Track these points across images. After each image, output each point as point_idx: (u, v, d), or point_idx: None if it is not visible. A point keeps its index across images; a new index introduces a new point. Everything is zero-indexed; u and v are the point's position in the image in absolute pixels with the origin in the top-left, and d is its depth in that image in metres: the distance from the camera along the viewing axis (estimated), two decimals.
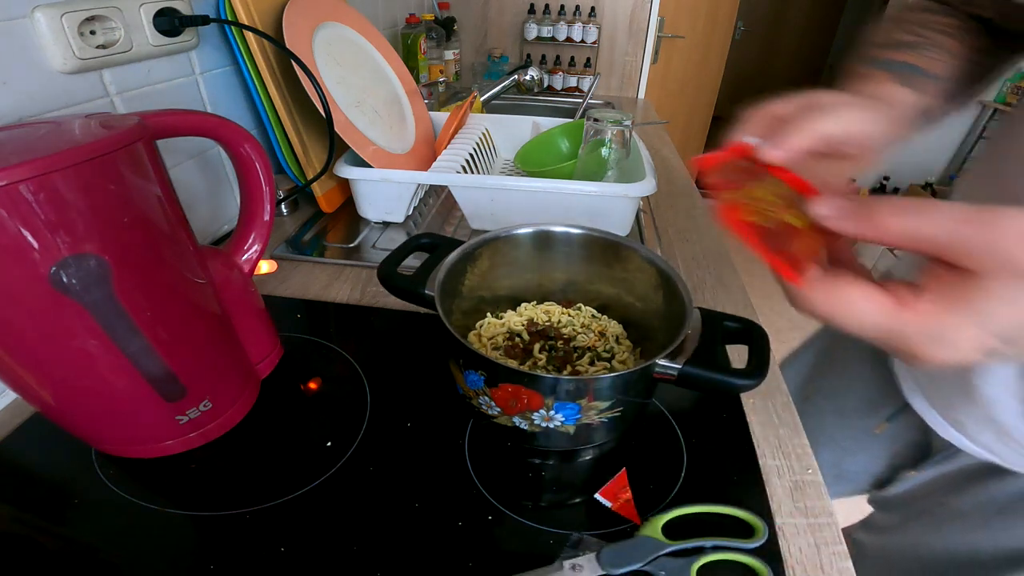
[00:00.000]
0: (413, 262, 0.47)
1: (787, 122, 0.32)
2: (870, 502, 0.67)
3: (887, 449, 0.64)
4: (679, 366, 0.38)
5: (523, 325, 0.50)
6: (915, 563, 0.48)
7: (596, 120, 0.74)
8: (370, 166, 0.72)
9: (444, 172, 0.74)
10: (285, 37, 0.64)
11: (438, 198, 0.87)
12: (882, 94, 0.38)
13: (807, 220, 0.26)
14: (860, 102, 0.36)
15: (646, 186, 0.67)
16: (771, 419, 0.48)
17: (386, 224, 0.78)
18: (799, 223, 0.27)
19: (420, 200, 0.84)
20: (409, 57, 1.30)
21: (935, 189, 2.87)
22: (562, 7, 1.79)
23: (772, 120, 0.33)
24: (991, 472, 0.51)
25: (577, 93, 1.81)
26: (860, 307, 0.22)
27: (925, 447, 0.58)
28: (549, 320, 0.52)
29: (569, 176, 0.78)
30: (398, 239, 0.73)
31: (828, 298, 0.23)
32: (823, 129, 0.32)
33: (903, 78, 0.39)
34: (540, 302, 0.54)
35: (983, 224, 0.19)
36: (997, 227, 0.19)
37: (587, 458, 0.44)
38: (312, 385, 0.50)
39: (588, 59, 1.86)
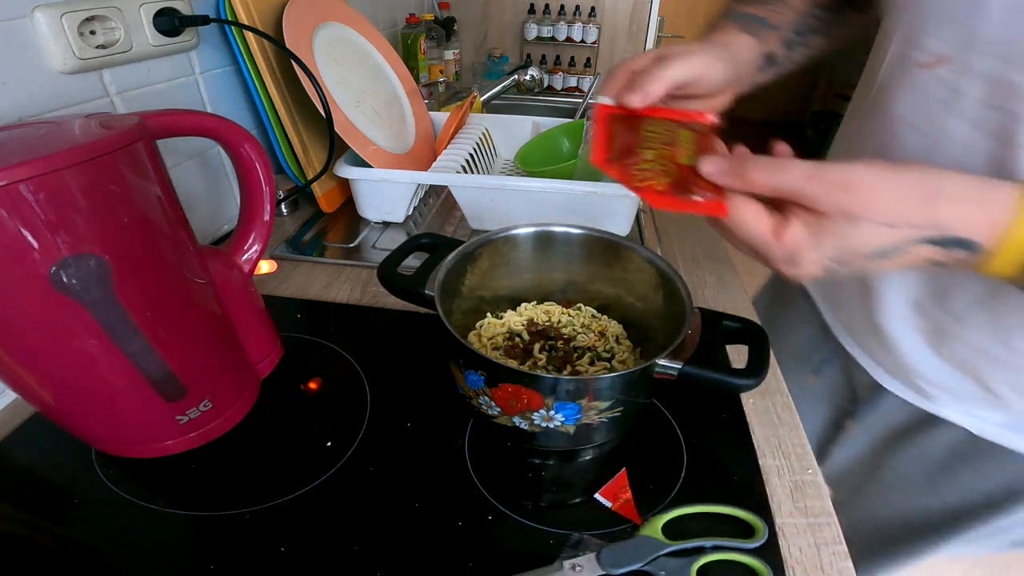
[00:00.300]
0: (413, 262, 0.47)
1: (642, 73, 0.38)
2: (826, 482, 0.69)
3: (822, 404, 0.66)
4: (679, 366, 0.38)
5: (523, 325, 0.50)
6: (873, 535, 0.49)
7: None
8: (370, 166, 0.72)
9: (444, 172, 0.74)
10: (285, 37, 0.64)
11: (438, 198, 0.87)
12: (726, 41, 0.44)
13: (693, 150, 0.33)
14: (705, 49, 0.42)
15: None
16: (771, 419, 0.48)
17: (386, 224, 0.78)
18: (690, 159, 0.33)
19: (420, 200, 0.84)
20: (409, 57, 1.30)
21: None
22: (562, 7, 1.79)
23: (630, 75, 0.39)
24: (918, 426, 0.54)
25: (577, 93, 1.81)
26: (749, 225, 0.30)
27: (853, 399, 0.61)
28: (549, 320, 0.52)
29: (569, 176, 0.78)
30: (398, 239, 0.73)
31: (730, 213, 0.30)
32: (673, 75, 0.38)
33: (746, 27, 0.46)
34: (540, 302, 0.54)
35: (820, 180, 0.27)
36: (828, 182, 0.27)
37: (587, 458, 0.44)
38: (312, 385, 0.50)
39: (588, 59, 1.86)
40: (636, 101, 0.37)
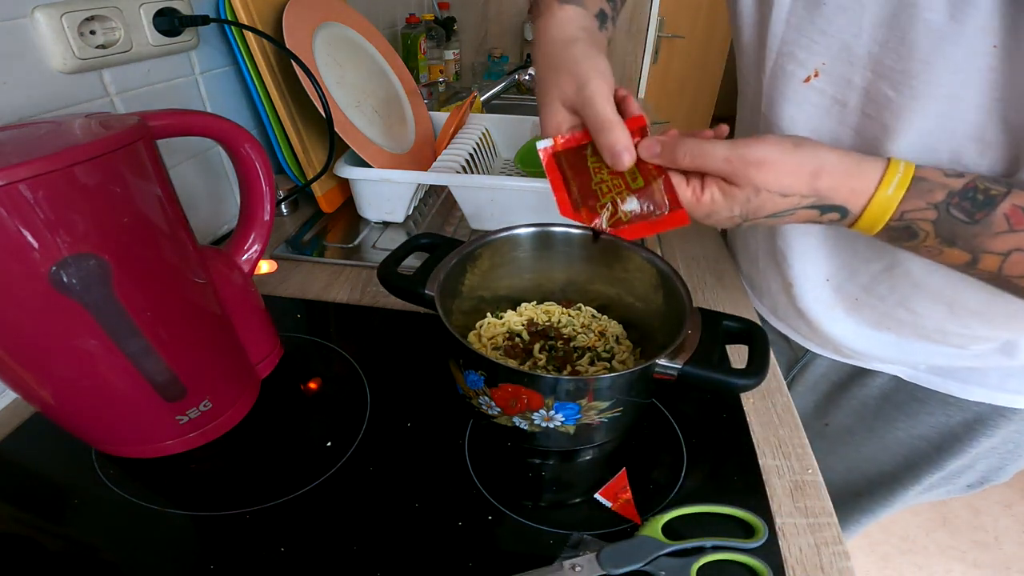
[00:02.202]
0: (413, 262, 0.47)
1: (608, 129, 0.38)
2: None
3: None
4: (679, 366, 0.38)
5: (523, 325, 0.50)
6: (837, 490, 0.52)
7: None
8: (370, 166, 0.72)
9: (444, 172, 0.74)
10: (285, 37, 0.64)
11: (438, 198, 0.87)
12: (575, 28, 0.42)
13: (635, 168, 0.37)
14: (589, 59, 0.39)
15: None
16: (771, 419, 0.48)
17: (386, 224, 0.78)
18: (636, 180, 0.37)
19: (420, 200, 0.84)
20: (409, 57, 1.30)
21: None
22: None
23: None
24: (852, 378, 0.60)
25: None
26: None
27: (794, 360, 0.67)
28: (549, 320, 0.52)
29: None
30: (398, 239, 0.73)
31: None
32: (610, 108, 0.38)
33: None
34: (540, 302, 0.54)
35: (734, 161, 0.33)
36: (741, 162, 0.33)
37: (587, 458, 0.44)
38: (312, 385, 0.50)
39: None
40: (626, 161, 0.37)
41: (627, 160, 0.36)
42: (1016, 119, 0.34)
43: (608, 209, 0.37)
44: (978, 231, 0.32)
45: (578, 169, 0.38)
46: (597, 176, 0.37)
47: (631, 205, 0.36)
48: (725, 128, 0.39)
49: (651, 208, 0.36)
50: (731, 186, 0.34)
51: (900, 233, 0.34)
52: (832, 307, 0.53)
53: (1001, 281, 0.34)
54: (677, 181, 0.36)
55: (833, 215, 0.34)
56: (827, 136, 0.43)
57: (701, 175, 0.36)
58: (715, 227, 0.38)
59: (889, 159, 0.33)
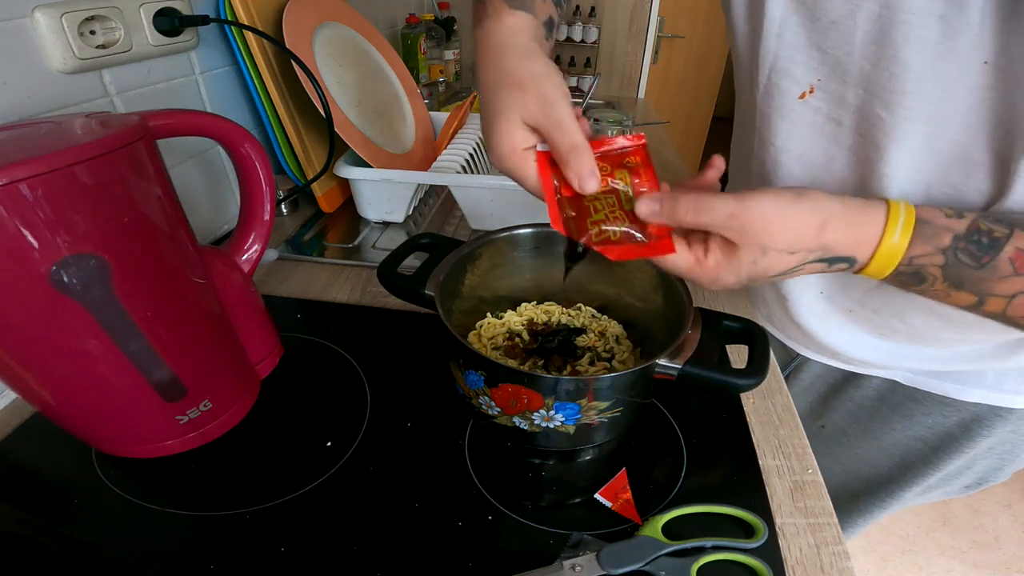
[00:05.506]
0: (413, 262, 0.47)
1: (573, 152, 0.35)
2: None
3: None
4: (679, 366, 0.38)
5: (523, 325, 0.50)
6: (834, 492, 0.51)
7: (596, 120, 0.74)
8: (370, 166, 0.72)
9: (444, 172, 0.74)
10: (285, 37, 0.64)
11: (438, 198, 0.87)
12: (524, 39, 0.38)
13: (630, 188, 0.35)
14: (542, 76, 0.35)
15: None
16: (771, 419, 0.48)
17: (386, 224, 0.78)
18: (629, 202, 0.35)
19: (420, 200, 0.84)
20: (409, 57, 1.30)
21: None
22: None
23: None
24: (848, 378, 0.60)
25: (577, 93, 1.81)
26: (676, 262, 0.35)
27: (788, 361, 0.67)
28: (549, 320, 0.52)
29: None
30: (398, 239, 0.73)
31: None
32: (576, 128, 0.35)
33: (520, 3, 0.40)
34: (540, 302, 0.54)
35: (739, 218, 0.31)
36: (746, 219, 0.31)
37: (587, 458, 0.44)
38: (312, 385, 0.50)
39: (588, 59, 1.86)
40: (593, 186, 0.35)
41: (594, 185, 0.34)
42: (1003, 139, 0.33)
43: (598, 227, 0.35)
44: (984, 275, 0.31)
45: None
46: (596, 202, 0.35)
47: (622, 226, 0.35)
48: (720, 162, 0.36)
49: (639, 232, 0.35)
50: (734, 247, 0.32)
51: (909, 279, 0.33)
52: (827, 319, 0.53)
53: (1006, 320, 0.34)
54: (679, 245, 0.34)
55: (841, 265, 0.33)
56: (821, 155, 0.42)
57: (704, 236, 0.34)
58: (716, 291, 0.35)
59: (888, 202, 0.32)
